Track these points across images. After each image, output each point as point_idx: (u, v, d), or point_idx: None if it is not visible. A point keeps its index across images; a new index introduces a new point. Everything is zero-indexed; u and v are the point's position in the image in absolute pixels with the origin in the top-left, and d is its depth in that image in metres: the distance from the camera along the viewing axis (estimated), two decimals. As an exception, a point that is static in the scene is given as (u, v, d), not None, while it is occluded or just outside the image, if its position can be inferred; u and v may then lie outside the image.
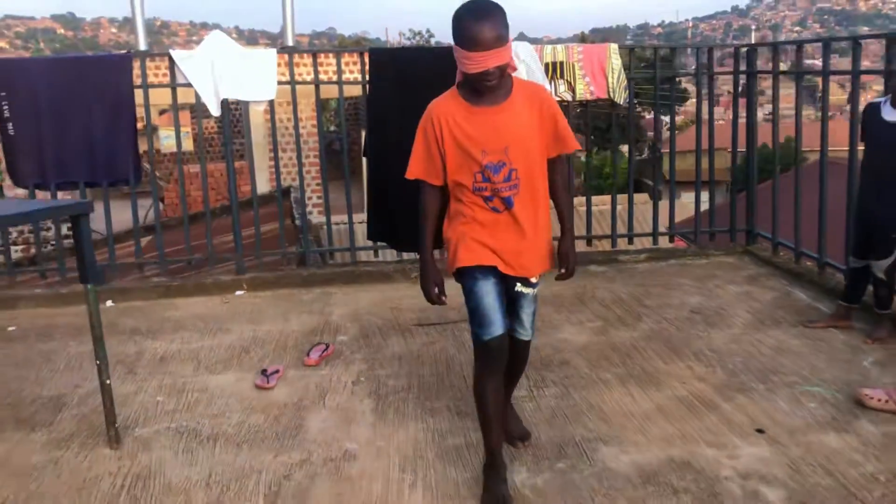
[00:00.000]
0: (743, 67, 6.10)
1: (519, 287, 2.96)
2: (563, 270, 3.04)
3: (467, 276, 2.88)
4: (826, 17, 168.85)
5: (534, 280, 2.99)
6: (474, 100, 2.80)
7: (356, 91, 6.51)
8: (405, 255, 6.04)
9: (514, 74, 2.85)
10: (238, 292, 5.57)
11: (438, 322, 4.69)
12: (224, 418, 3.54)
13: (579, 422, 3.40)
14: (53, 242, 7.81)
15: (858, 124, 4.46)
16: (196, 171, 13.23)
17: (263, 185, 12.38)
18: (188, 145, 19.84)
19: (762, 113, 11.32)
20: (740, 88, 6.23)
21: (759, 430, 3.28)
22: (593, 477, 2.95)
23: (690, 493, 2.83)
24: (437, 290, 2.94)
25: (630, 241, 6.38)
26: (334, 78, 5.84)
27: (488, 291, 2.85)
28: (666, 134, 7.97)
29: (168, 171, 20.44)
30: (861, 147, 4.40)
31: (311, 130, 12.78)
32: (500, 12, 2.70)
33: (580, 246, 6.23)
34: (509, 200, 2.84)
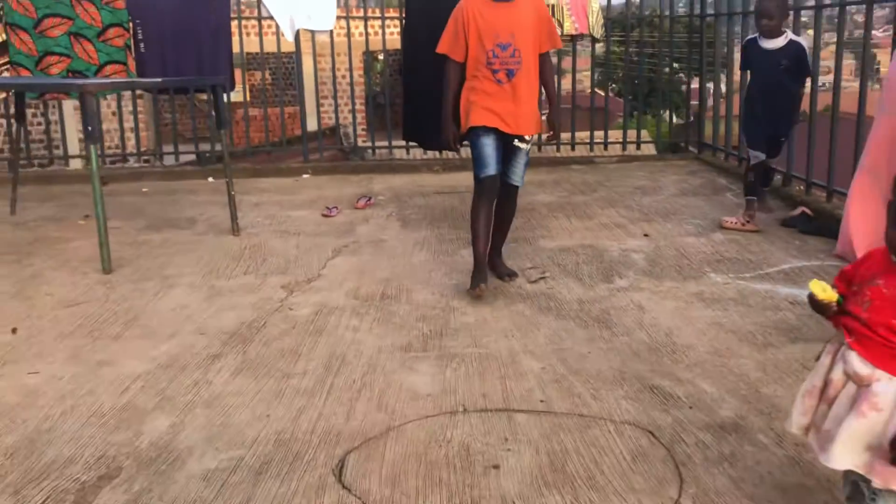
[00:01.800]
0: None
1: (516, 142, 3.96)
2: (551, 133, 4.27)
3: (474, 133, 3.91)
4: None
5: (527, 138, 3.99)
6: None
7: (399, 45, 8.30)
8: (430, 154, 7.86)
9: None
10: (304, 175, 7.47)
11: (450, 192, 6.52)
12: (303, 227, 5.44)
13: (531, 231, 5.22)
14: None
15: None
16: (253, 115, 15.14)
17: (313, 126, 14.26)
18: (239, 97, 21.74)
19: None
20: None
21: (646, 235, 5.09)
22: (532, 250, 4.78)
23: (586, 254, 4.65)
24: (453, 139, 4.05)
25: (605, 148, 8.12)
26: (376, 31, 7.64)
27: (488, 143, 3.88)
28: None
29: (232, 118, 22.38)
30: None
31: (359, 80, 14.54)
32: None
33: (565, 151, 8.08)
34: (511, 73, 3.84)
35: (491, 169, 3.91)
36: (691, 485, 2.29)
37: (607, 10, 7.71)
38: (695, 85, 8.40)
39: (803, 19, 6.19)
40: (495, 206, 4.05)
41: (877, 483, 1.76)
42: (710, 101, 8.12)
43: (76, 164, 8.29)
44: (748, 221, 5.15)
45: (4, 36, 6.97)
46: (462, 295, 3.91)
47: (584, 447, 2.50)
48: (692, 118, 8.90)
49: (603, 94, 22.82)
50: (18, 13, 6.93)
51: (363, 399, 2.83)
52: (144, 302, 3.90)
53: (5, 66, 7.01)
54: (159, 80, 5.73)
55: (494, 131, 3.91)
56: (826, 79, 7.52)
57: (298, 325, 3.56)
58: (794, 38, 5.00)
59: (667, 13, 8.04)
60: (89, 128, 4.30)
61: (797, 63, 4.95)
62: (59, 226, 5.54)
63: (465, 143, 4.15)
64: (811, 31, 6.21)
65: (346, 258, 4.64)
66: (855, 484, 1.85)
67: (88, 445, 2.52)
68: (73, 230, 5.40)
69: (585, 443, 2.52)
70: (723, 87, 7.44)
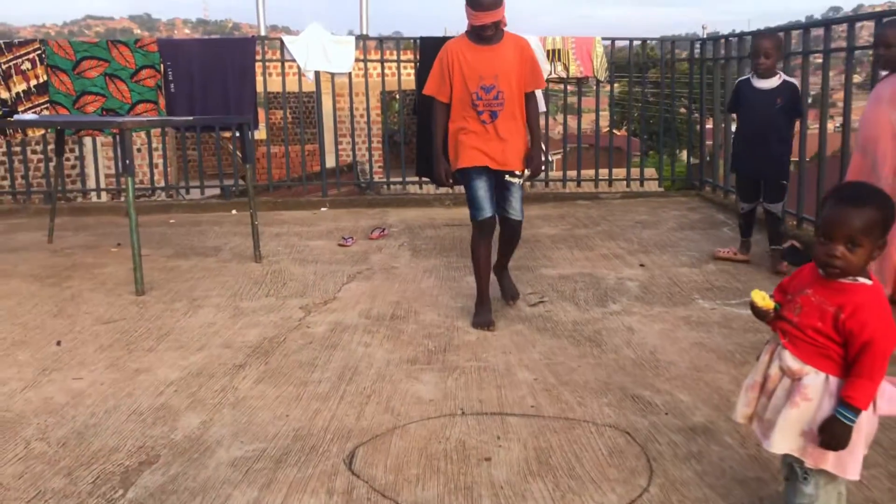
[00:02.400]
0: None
1: (507, 177, 4.05)
2: (527, 170, 4.16)
3: (466, 175, 4.01)
4: None
5: (518, 173, 4.05)
6: (477, 41, 3.95)
7: (413, 84, 8.75)
8: (442, 189, 8.24)
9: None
10: (322, 209, 7.86)
11: (460, 224, 6.88)
12: (320, 255, 5.80)
13: (533, 260, 5.56)
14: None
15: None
16: (274, 152, 15.66)
17: (331, 163, 14.79)
18: (262, 135, 22.42)
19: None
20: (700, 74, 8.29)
21: (641, 265, 5.41)
22: (533, 277, 5.11)
23: (584, 281, 4.98)
24: (444, 175, 4.13)
25: (609, 184, 8.47)
26: (392, 73, 8.09)
27: (481, 186, 3.99)
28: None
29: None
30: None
31: (376, 119, 15.07)
32: None
33: (571, 186, 8.44)
34: (494, 114, 3.94)
35: (486, 212, 4.03)
36: (660, 476, 2.59)
37: (611, 53, 8.11)
38: (709, 125, 8.74)
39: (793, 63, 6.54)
40: (500, 241, 4.22)
41: (809, 464, 2.07)
42: (709, 141, 8.48)
43: (104, 196, 8.74)
44: (739, 253, 5.46)
45: (45, 77, 7.46)
46: (465, 314, 4.24)
47: (567, 444, 2.81)
48: (708, 157, 9.20)
49: (617, 132, 23.40)
50: (59, 56, 7.44)
51: (372, 403, 3.16)
52: (175, 320, 4.26)
53: (45, 105, 7.50)
54: (191, 118, 6.16)
55: (485, 170, 4.01)
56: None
57: (315, 341, 3.90)
58: (788, 78, 5.05)
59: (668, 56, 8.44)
60: (126, 161, 4.69)
61: (792, 103, 4.99)
62: (93, 253, 5.94)
63: (455, 181, 4.23)
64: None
65: (360, 283, 4.99)
66: (791, 466, 2.15)
67: (130, 437, 2.86)
68: (106, 257, 5.80)
69: (569, 441, 2.83)
70: (721, 127, 7.80)
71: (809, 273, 2.13)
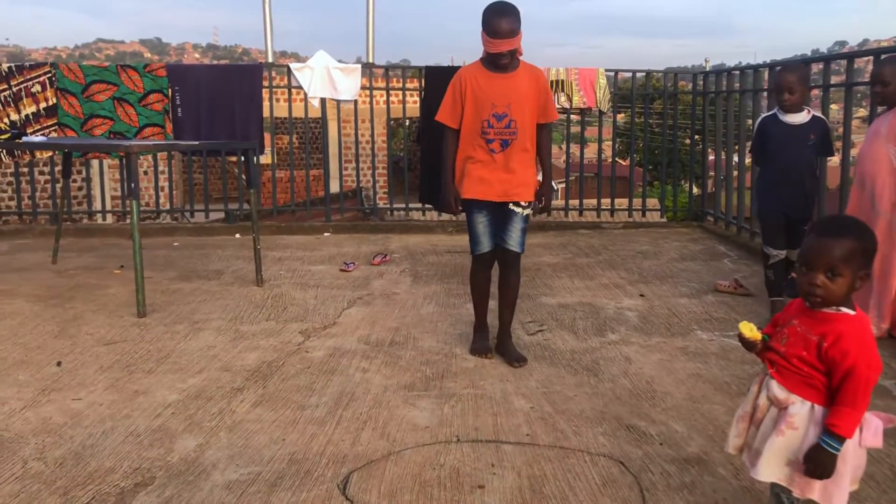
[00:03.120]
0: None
1: (511, 206, 3.92)
2: (541, 204, 4.08)
3: (468, 209, 3.95)
4: None
5: (523, 203, 3.93)
6: (492, 69, 3.84)
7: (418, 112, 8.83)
8: (444, 216, 8.29)
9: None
10: (325, 234, 7.91)
11: (461, 251, 6.92)
12: (322, 280, 5.84)
13: (534, 288, 5.58)
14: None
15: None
16: (280, 177, 15.78)
17: (336, 188, 14.92)
18: (268, 160, 22.63)
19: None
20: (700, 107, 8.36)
21: (641, 295, 5.43)
22: (533, 305, 5.13)
23: (583, 311, 5.00)
24: (454, 201, 4.01)
25: (612, 214, 8.51)
26: (398, 100, 8.19)
27: (480, 221, 3.95)
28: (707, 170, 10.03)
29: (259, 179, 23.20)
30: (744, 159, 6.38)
31: (381, 145, 15.17)
32: (515, 12, 3.69)
33: (574, 216, 8.47)
34: (506, 143, 3.83)
35: (484, 246, 4.00)
36: (652, 506, 2.60)
37: (614, 85, 8.18)
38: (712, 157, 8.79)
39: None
40: (499, 280, 4.12)
41: (796, 493, 2.08)
42: (711, 171, 8.53)
43: (109, 218, 8.81)
44: (740, 286, 5.47)
45: (55, 100, 7.56)
46: (463, 341, 4.26)
47: (560, 473, 2.82)
48: (711, 189, 9.24)
49: (622, 162, 23.49)
50: (69, 80, 7.54)
51: (368, 429, 3.18)
52: (175, 342, 4.29)
53: (53, 127, 7.59)
54: (196, 143, 6.22)
55: (488, 204, 3.94)
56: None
57: (313, 366, 3.92)
58: (817, 113, 4.74)
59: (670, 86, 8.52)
60: (132, 185, 4.75)
61: (824, 140, 4.70)
62: (96, 274, 5.98)
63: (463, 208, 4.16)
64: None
65: (360, 308, 5.01)
66: (778, 496, 2.17)
67: (126, 459, 2.88)
68: (109, 279, 5.84)
69: (563, 470, 2.84)
70: (722, 157, 7.84)
71: (798, 304, 2.16)
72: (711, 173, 9.01)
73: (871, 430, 2.05)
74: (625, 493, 2.69)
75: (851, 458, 2.03)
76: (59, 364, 3.90)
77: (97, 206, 9.13)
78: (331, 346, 4.23)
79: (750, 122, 7.06)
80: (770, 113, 4.84)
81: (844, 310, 2.04)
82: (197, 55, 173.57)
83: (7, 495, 2.60)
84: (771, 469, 2.09)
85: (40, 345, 4.23)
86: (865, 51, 5.66)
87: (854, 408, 1.97)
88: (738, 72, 7.63)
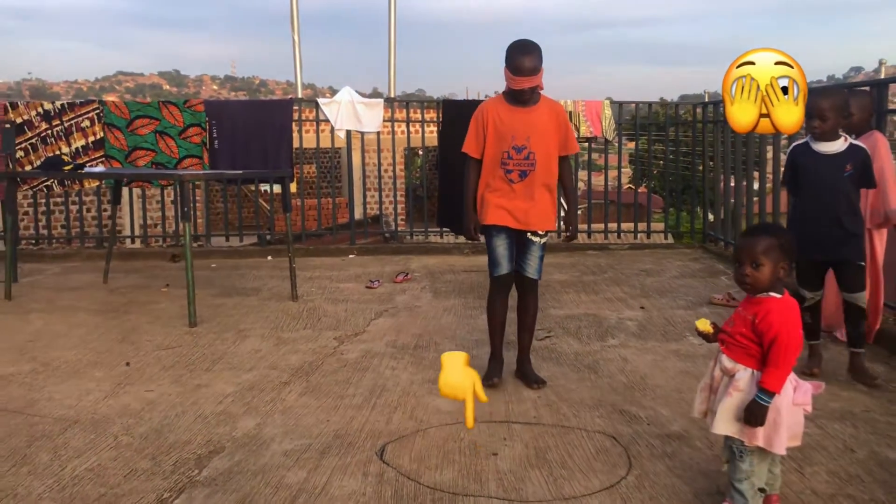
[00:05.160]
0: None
1: (529, 235, 4.10)
2: (567, 234, 4.38)
3: (488, 233, 4.12)
4: None
5: (541, 232, 4.09)
6: (513, 103, 4.03)
7: (436, 141, 9.47)
8: (461, 238, 8.87)
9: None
10: (350, 255, 8.51)
11: (477, 270, 7.48)
12: (350, 296, 6.42)
13: (543, 302, 6.12)
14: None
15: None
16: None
17: (359, 214, 15.63)
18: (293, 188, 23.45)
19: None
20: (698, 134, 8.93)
21: (642, 307, 5.97)
22: (542, 316, 5.67)
23: (588, 321, 5.54)
24: (473, 228, 4.16)
25: (618, 236, 9.07)
26: (418, 132, 8.83)
27: (500, 244, 4.10)
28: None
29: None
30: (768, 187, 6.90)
31: (399, 174, 15.83)
32: (537, 50, 3.89)
33: (582, 238, 9.03)
34: (524, 174, 4.00)
35: (503, 269, 4.14)
36: (637, 469, 3.14)
37: (619, 114, 8.79)
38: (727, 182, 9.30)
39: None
40: (518, 305, 4.28)
41: (746, 442, 2.63)
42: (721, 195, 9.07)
43: (137, 243, 9.47)
44: (733, 298, 5.99)
45: (102, 134, 8.24)
46: (480, 344, 4.81)
47: (562, 445, 3.36)
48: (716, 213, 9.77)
49: (633, 188, 24.14)
50: (115, 115, 8.23)
51: (399, 412, 3.73)
52: (226, 347, 4.87)
53: (101, 159, 8.26)
54: (241, 171, 6.85)
55: (506, 229, 4.09)
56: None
57: (349, 365, 4.49)
58: (856, 141, 4.23)
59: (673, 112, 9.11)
60: (185, 209, 5.36)
61: (863, 170, 4.15)
62: (145, 292, 6.60)
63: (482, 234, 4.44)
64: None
65: (387, 319, 5.59)
66: (730, 448, 2.71)
67: (199, 434, 3.45)
68: (157, 296, 6.45)
69: (563, 443, 3.39)
70: (721, 182, 8.40)
71: (746, 296, 2.73)
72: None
73: (801, 391, 2.60)
74: (615, 459, 3.23)
75: (786, 413, 2.57)
76: (127, 364, 4.49)
77: (126, 231, 9.81)
78: (363, 349, 4.80)
79: (746, 148, 7.62)
80: (802, 141, 4.41)
81: (773, 294, 2.63)
82: (215, 87, 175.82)
83: (107, 459, 3.18)
84: (724, 424, 2.64)
85: (108, 349, 4.83)
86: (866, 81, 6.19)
87: (778, 367, 2.53)
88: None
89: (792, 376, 2.64)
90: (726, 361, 2.70)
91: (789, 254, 2.64)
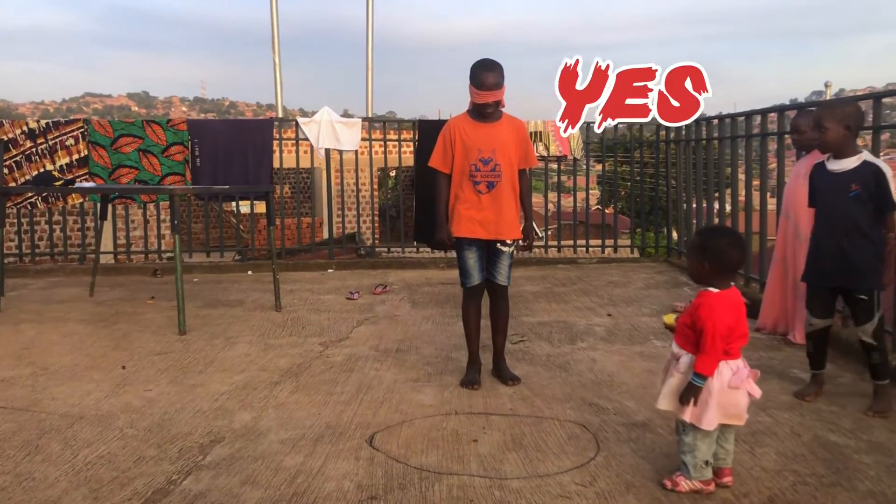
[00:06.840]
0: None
1: (498, 245, 4.37)
2: (524, 242, 4.52)
3: (459, 245, 4.36)
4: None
5: (508, 241, 4.36)
6: (478, 119, 4.30)
7: (411, 161, 9.83)
8: (437, 253, 9.18)
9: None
10: (329, 270, 8.78)
11: (453, 283, 7.79)
12: (332, 306, 6.69)
13: (516, 310, 6.44)
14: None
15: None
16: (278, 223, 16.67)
17: (336, 233, 15.91)
18: (260, 209, 23.63)
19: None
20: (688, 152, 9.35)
21: (609, 315, 6.31)
22: (516, 323, 5.98)
23: (558, 327, 5.87)
24: (446, 239, 4.39)
25: (587, 251, 9.43)
26: (395, 151, 9.15)
27: (471, 257, 4.36)
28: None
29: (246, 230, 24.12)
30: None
31: (376, 193, 16.15)
32: (499, 68, 4.18)
33: (552, 252, 9.38)
34: (492, 185, 4.25)
35: (474, 279, 4.39)
36: (604, 451, 3.45)
37: (586, 134, 9.19)
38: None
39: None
40: (490, 310, 4.52)
41: (682, 417, 2.97)
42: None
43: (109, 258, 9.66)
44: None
45: (86, 152, 8.45)
46: (458, 349, 5.11)
47: (536, 433, 3.66)
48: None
49: (600, 209, 24.65)
50: (99, 133, 8.46)
51: (384, 406, 4.02)
52: (216, 352, 5.12)
53: (84, 176, 8.46)
54: (228, 187, 7.11)
55: (477, 241, 4.34)
56: None
57: (335, 366, 4.77)
58: (870, 159, 3.92)
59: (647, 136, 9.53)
60: (175, 221, 5.62)
61: (874, 190, 3.82)
62: (131, 304, 6.81)
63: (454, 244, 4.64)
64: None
65: (368, 327, 5.87)
66: (678, 423, 3.05)
67: (199, 426, 3.71)
68: (143, 307, 6.67)
69: (538, 430, 3.69)
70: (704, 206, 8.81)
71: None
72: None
73: (736, 376, 2.94)
74: (584, 443, 3.54)
75: (717, 394, 2.92)
76: (123, 367, 4.73)
77: (107, 247, 9.99)
78: (347, 353, 5.07)
79: (703, 166, 8.03)
80: (821, 159, 4.15)
81: (710, 289, 3.02)
82: (184, 108, 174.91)
83: (116, 448, 3.43)
84: (666, 401, 3.04)
85: (103, 355, 5.05)
86: (788, 105, 6.61)
87: (705, 353, 2.90)
88: (716, 120, 8.29)
89: (736, 363, 2.98)
90: (674, 347, 3.08)
91: (710, 255, 3.01)
